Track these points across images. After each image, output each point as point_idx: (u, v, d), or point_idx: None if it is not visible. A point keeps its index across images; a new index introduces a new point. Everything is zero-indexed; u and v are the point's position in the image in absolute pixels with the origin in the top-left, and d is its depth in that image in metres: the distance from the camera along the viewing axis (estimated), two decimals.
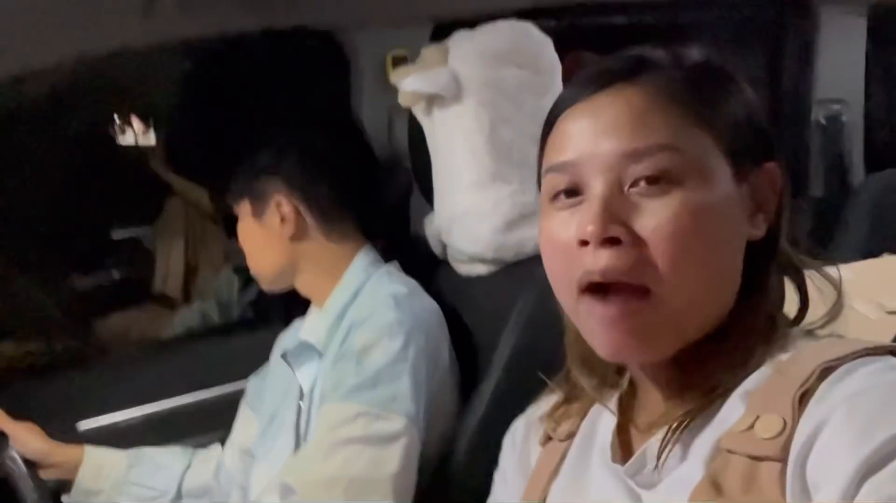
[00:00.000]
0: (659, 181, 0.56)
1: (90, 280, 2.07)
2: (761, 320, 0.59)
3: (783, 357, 0.56)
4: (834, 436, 0.48)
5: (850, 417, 0.48)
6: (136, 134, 2.18)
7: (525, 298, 1.09)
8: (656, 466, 0.57)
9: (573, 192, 0.58)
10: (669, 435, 0.56)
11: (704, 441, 0.56)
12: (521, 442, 0.75)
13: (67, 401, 1.34)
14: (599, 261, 0.55)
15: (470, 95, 1.11)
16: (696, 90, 0.59)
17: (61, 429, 1.29)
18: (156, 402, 1.40)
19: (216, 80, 1.74)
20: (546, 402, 0.73)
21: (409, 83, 1.10)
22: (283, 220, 1.15)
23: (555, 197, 0.60)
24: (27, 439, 1.15)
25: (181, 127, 2.07)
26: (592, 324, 0.58)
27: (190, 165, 1.97)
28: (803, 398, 0.51)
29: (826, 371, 0.52)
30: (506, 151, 1.11)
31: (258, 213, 1.17)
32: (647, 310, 0.55)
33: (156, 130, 2.16)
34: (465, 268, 1.20)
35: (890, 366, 0.51)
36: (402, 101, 1.14)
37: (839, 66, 1.78)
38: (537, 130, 0.64)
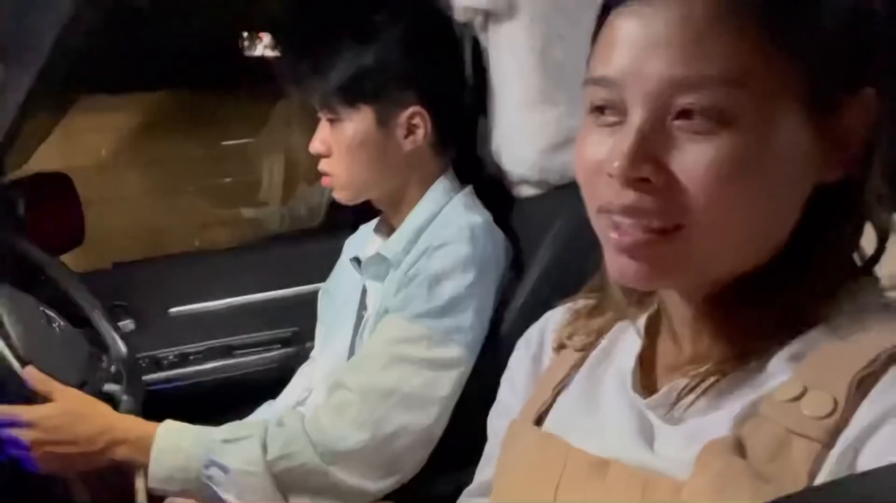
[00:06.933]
0: (708, 119, 0.47)
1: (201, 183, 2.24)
2: (825, 274, 0.51)
3: (844, 321, 0.50)
4: None
5: None
6: (263, 47, 2.28)
7: (562, 222, 1.09)
8: (671, 409, 0.54)
9: (613, 109, 0.51)
10: (696, 384, 0.52)
11: (740, 397, 0.51)
12: (535, 344, 0.71)
13: (161, 289, 1.50)
14: (623, 198, 0.49)
15: (524, 11, 1.09)
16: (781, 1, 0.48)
17: (155, 312, 1.48)
18: (239, 297, 1.54)
19: None
20: (566, 310, 0.68)
21: None
22: (408, 132, 1.11)
23: (594, 110, 0.52)
24: None
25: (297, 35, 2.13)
26: (605, 244, 0.54)
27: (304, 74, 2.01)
28: (863, 382, 0.46)
29: (894, 356, 0.46)
30: (557, 71, 1.09)
31: (384, 121, 1.10)
32: (664, 245, 0.50)
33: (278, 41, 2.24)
34: (515, 189, 1.21)
35: None
36: (458, 16, 1.14)
37: None
38: None
